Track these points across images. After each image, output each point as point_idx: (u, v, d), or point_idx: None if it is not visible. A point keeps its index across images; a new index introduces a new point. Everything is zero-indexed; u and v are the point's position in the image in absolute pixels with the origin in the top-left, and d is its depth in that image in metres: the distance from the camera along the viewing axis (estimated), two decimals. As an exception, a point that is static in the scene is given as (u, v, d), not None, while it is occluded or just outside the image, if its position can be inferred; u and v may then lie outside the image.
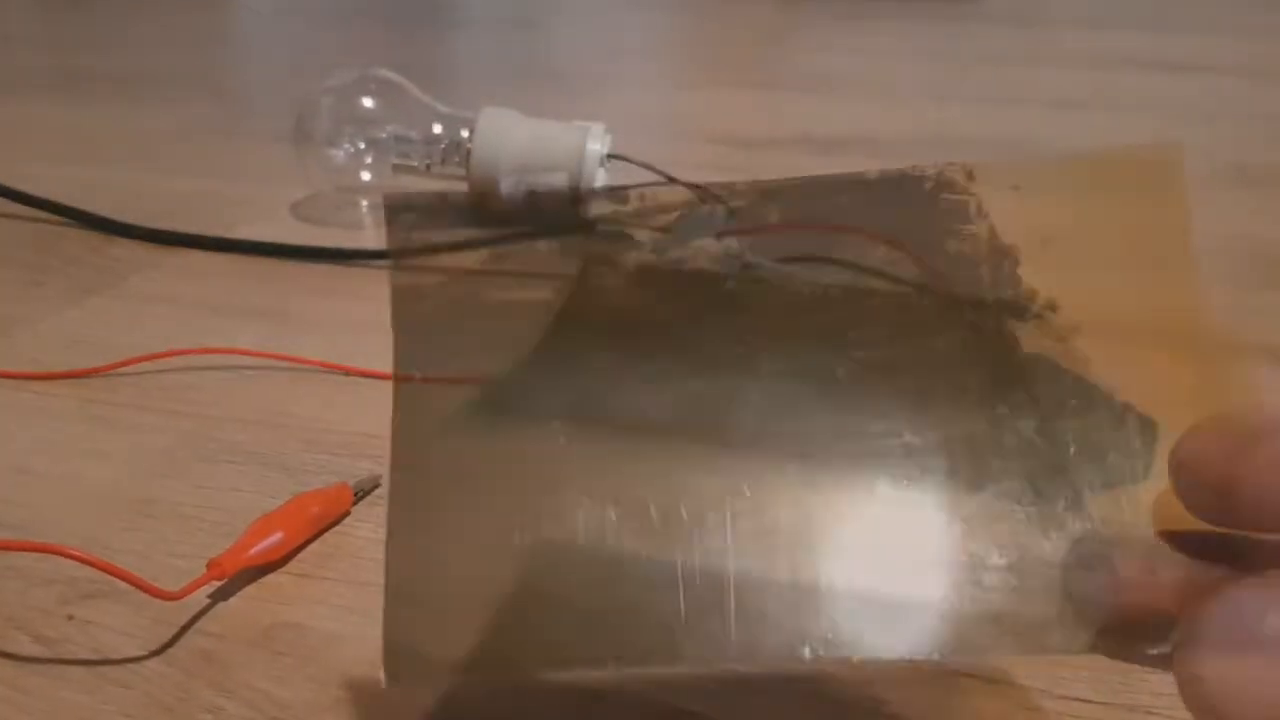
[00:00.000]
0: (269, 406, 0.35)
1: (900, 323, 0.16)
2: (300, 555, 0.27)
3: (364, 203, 0.57)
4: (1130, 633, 0.15)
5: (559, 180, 0.50)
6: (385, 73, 0.55)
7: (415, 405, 0.35)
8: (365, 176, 0.54)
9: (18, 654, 0.24)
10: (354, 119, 0.54)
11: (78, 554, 0.24)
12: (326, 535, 0.28)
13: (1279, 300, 0.45)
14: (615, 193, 0.19)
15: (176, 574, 0.26)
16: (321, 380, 0.37)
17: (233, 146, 0.71)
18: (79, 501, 0.30)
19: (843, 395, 0.16)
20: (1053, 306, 0.16)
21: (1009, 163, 0.17)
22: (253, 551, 0.26)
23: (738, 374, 0.16)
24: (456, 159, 0.53)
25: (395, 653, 0.24)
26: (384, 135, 0.54)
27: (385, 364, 0.38)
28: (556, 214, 0.20)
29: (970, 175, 0.17)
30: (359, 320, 0.42)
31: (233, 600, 0.26)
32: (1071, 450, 0.16)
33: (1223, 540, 0.14)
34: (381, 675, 0.23)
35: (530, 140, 0.52)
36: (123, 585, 0.24)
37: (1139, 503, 0.15)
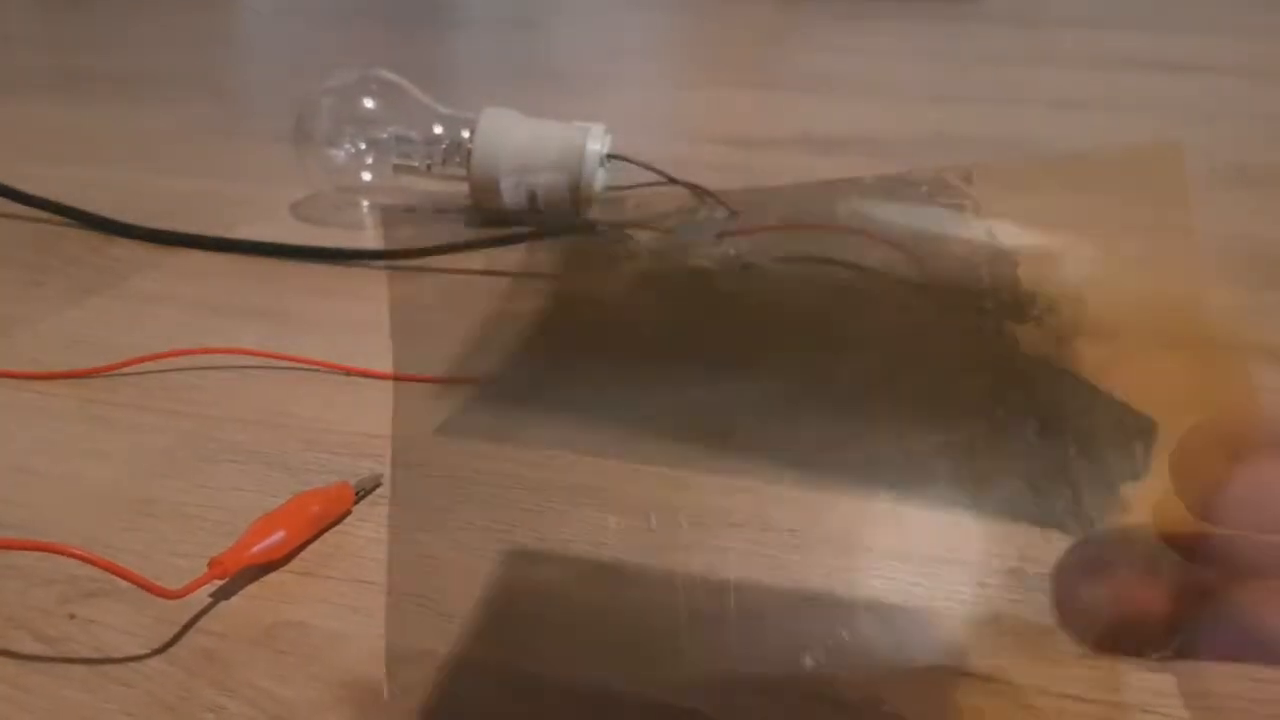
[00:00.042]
0: (270, 406, 0.35)
1: (900, 324, 0.16)
2: (302, 554, 0.27)
3: (364, 203, 0.57)
4: (1129, 634, 0.15)
5: (559, 180, 0.50)
6: (386, 73, 0.55)
7: (414, 405, 0.35)
8: (366, 177, 0.55)
9: (19, 653, 0.24)
10: (354, 119, 0.54)
11: (79, 553, 0.24)
12: (328, 534, 0.28)
13: (1279, 300, 0.45)
14: (615, 193, 0.19)
15: (178, 573, 0.26)
16: (322, 380, 0.37)
17: (233, 146, 0.71)
18: (80, 501, 0.30)
19: (843, 399, 0.16)
20: (1052, 309, 0.16)
21: (1007, 164, 0.17)
22: (254, 550, 0.26)
23: (737, 377, 0.16)
24: (457, 159, 0.53)
25: (397, 655, 0.24)
26: (384, 136, 0.54)
27: (385, 364, 0.38)
28: (556, 214, 0.20)
29: (968, 178, 0.17)
30: (359, 320, 0.42)
31: (234, 599, 0.26)
32: (1071, 451, 0.16)
33: (1223, 540, 0.14)
34: (384, 683, 0.23)
35: (530, 140, 0.52)
36: (124, 584, 0.24)
37: (1139, 503, 0.15)
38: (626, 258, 0.17)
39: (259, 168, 0.65)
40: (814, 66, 1.07)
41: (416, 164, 0.54)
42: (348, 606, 0.26)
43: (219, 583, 0.26)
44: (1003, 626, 0.25)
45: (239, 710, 0.22)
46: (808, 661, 0.24)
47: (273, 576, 0.27)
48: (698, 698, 0.23)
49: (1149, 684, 0.23)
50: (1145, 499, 0.16)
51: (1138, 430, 0.16)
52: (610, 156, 0.51)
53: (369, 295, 0.45)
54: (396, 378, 0.38)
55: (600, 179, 0.51)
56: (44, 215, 0.54)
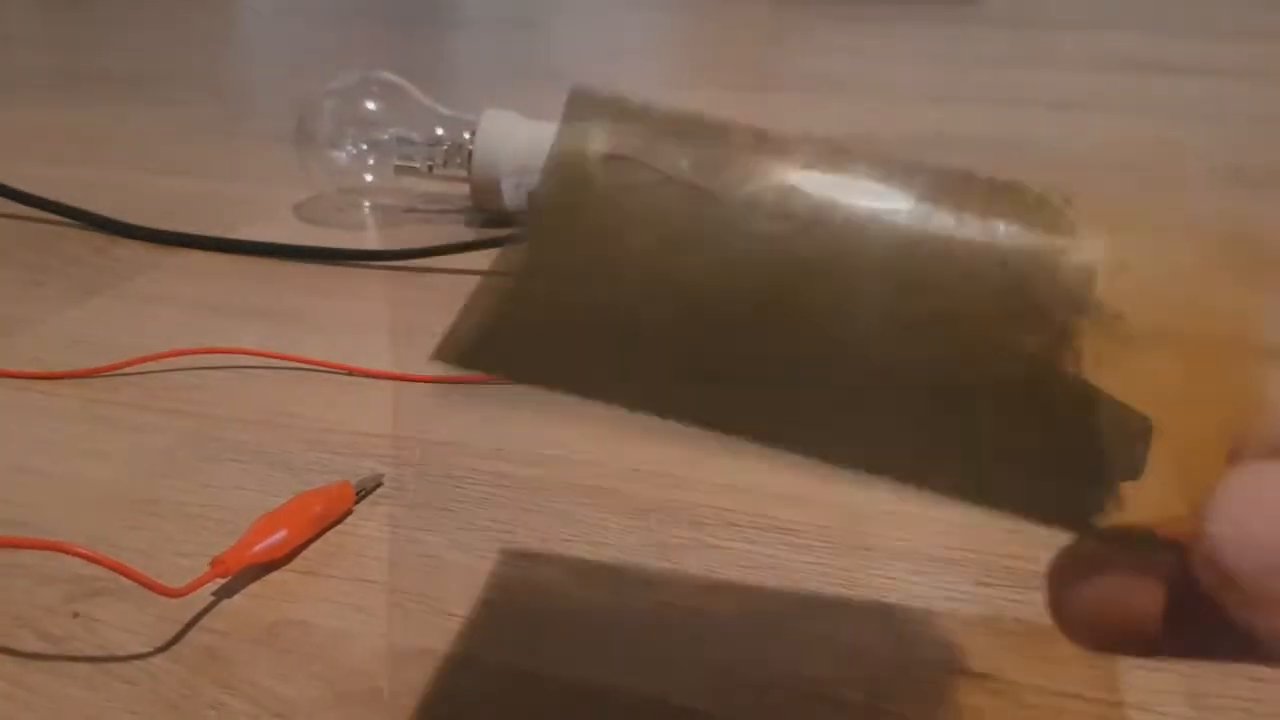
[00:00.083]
0: (271, 406, 0.35)
1: (913, 323, 0.16)
2: (303, 553, 0.28)
3: (366, 204, 0.57)
4: (1125, 635, 0.15)
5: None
6: (387, 75, 0.55)
7: (415, 405, 0.35)
8: (367, 178, 0.55)
9: (23, 651, 0.24)
10: (356, 121, 0.54)
11: (83, 551, 0.24)
12: (329, 534, 0.28)
13: (1279, 300, 0.45)
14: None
15: (181, 572, 0.26)
16: (323, 380, 0.37)
17: (234, 147, 0.72)
18: (83, 500, 0.30)
19: (843, 398, 0.16)
20: (1118, 317, 0.16)
21: (1108, 201, 0.17)
22: (256, 549, 0.26)
23: (738, 377, 0.16)
24: (458, 160, 0.54)
25: (398, 654, 0.24)
26: (386, 137, 0.54)
27: (386, 364, 0.38)
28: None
29: (1068, 200, 0.17)
30: (360, 320, 0.42)
31: (236, 598, 0.26)
32: (1070, 451, 0.16)
33: (1220, 541, 0.14)
34: (385, 682, 0.23)
35: (531, 142, 0.52)
36: (127, 583, 0.24)
37: (1136, 502, 0.15)
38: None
39: (260, 168, 0.65)
40: (814, 67, 1.07)
41: (418, 165, 0.54)
42: (349, 605, 0.26)
43: (221, 581, 0.26)
44: (1002, 626, 0.25)
45: (241, 708, 0.23)
46: (807, 661, 0.24)
47: (274, 575, 0.27)
48: (697, 697, 0.23)
49: (1148, 683, 0.23)
50: (1143, 498, 0.16)
51: (1136, 429, 0.16)
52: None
53: (370, 296, 0.45)
54: (397, 378, 0.38)
55: (601, 180, 0.51)
56: (44, 215, 0.54)
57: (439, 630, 0.25)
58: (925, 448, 0.15)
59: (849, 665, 0.24)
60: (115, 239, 0.52)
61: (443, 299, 0.45)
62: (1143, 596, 0.14)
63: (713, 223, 0.16)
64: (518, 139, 0.52)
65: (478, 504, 0.30)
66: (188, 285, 0.46)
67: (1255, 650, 0.13)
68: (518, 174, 0.52)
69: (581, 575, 0.27)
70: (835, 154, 0.17)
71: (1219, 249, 0.17)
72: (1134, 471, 0.16)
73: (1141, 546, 0.15)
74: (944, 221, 0.16)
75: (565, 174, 0.17)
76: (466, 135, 0.53)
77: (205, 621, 0.25)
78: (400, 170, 0.54)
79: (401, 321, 0.42)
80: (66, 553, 0.25)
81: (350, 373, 0.38)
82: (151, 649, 0.24)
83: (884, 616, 0.26)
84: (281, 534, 0.27)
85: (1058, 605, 0.15)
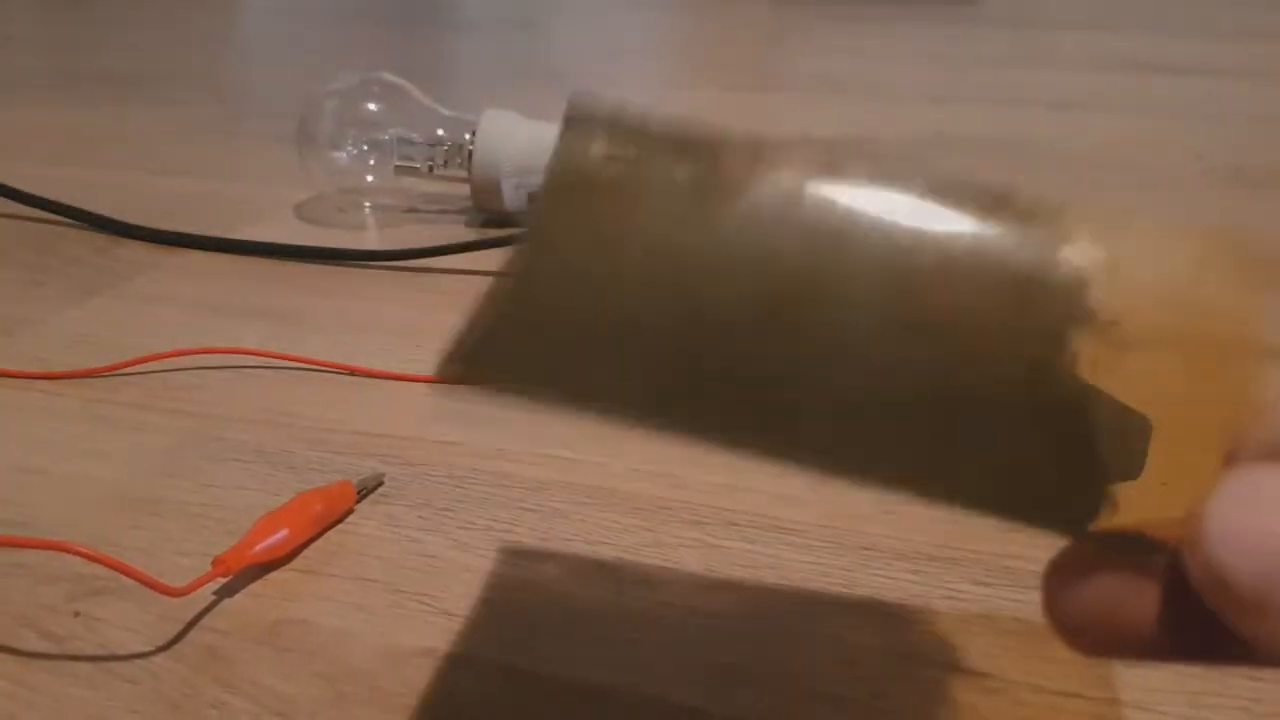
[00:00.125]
0: (272, 406, 0.35)
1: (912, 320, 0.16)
2: (305, 552, 0.28)
3: (366, 204, 0.57)
4: (1120, 638, 0.15)
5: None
6: (388, 76, 0.55)
7: (415, 405, 0.35)
8: (368, 178, 0.55)
9: (25, 650, 0.24)
10: (357, 121, 0.54)
11: (85, 551, 0.24)
12: (330, 533, 0.28)
13: (1279, 300, 0.45)
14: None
15: (182, 571, 0.27)
16: (324, 380, 0.37)
17: (234, 147, 0.72)
18: (84, 500, 0.30)
19: (842, 399, 0.16)
20: (1114, 322, 0.16)
21: (1101, 209, 0.17)
22: (257, 548, 0.26)
23: (738, 376, 0.16)
24: (459, 161, 0.54)
25: (398, 653, 0.24)
26: (386, 137, 0.54)
27: (387, 364, 0.38)
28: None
29: (1060, 210, 0.17)
30: (361, 320, 0.42)
31: (238, 597, 0.26)
32: (1067, 454, 0.16)
33: (1216, 544, 0.14)
34: (385, 681, 0.23)
35: (531, 142, 0.52)
36: (129, 582, 0.24)
37: (1134, 504, 0.15)
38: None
39: (260, 168, 0.66)
40: (814, 67, 1.07)
41: (418, 165, 0.54)
42: (350, 604, 0.26)
43: (222, 581, 0.26)
44: (1001, 625, 0.25)
45: (242, 707, 0.23)
46: (807, 660, 0.24)
47: (276, 574, 0.27)
48: (697, 697, 0.23)
49: (1146, 682, 0.23)
50: (1141, 498, 0.16)
51: (1135, 429, 0.16)
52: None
53: (371, 296, 0.45)
54: (398, 377, 0.38)
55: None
56: (45, 215, 0.54)
57: (439, 629, 0.25)
58: (923, 455, 0.15)
59: (849, 665, 0.24)
60: (115, 239, 0.52)
61: (443, 299, 0.45)
62: (1138, 600, 0.14)
63: (712, 231, 0.16)
64: (518, 139, 0.52)
65: (478, 504, 0.30)
66: (188, 285, 0.46)
67: (1252, 654, 0.13)
68: (518, 174, 0.52)
69: (581, 575, 0.27)
70: (833, 159, 0.17)
71: (1215, 249, 0.17)
72: (1133, 471, 0.16)
73: (1137, 550, 0.15)
74: (940, 227, 0.17)
75: (565, 185, 0.17)
76: (467, 135, 0.53)
77: (206, 621, 0.25)
78: (400, 170, 0.55)
79: (401, 321, 0.42)
80: (68, 552, 0.25)
81: (351, 373, 0.38)
82: (153, 648, 0.24)
83: (884, 616, 0.26)
84: (282, 533, 0.27)
85: (1053, 609, 0.15)
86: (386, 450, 0.33)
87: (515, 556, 0.28)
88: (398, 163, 0.54)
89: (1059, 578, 0.15)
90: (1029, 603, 0.26)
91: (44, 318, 0.43)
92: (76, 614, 0.25)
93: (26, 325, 0.42)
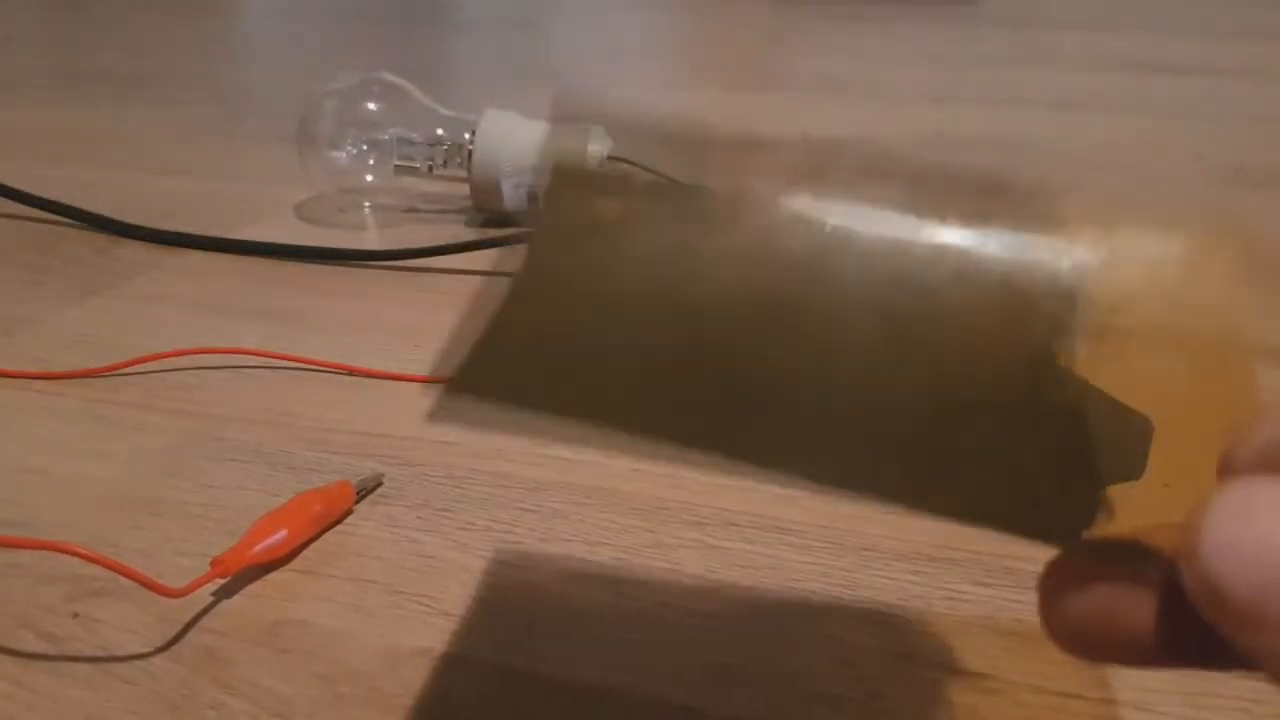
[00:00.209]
0: (272, 406, 0.35)
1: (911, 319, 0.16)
2: (303, 553, 0.28)
3: (366, 204, 0.57)
4: (1116, 643, 0.15)
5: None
6: (388, 76, 0.55)
7: (415, 406, 0.35)
8: (367, 178, 0.55)
9: (23, 651, 0.24)
10: (357, 121, 0.54)
11: (83, 551, 0.24)
12: (329, 533, 0.28)
13: (1279, 300, 0.45)
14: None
15: (181, 572, 0.27)
16: (324, 380, 0.37)
17: (234, 147, 0.72)
18: (83, 500, 0.30)
19: (841, 399, 0.16)
20: (1113, 310, 0.16)
21: (1100, 196, 0.17)
22: (256, 549, 0.26)
23: (739, 374, 0.16)
24: (458, 161, 0.54)
25: (397, 654, 0.24)
26: (386, 137, 0.54)
27: (387, 364, 0.38)
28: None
29: (1058, 196, 0.17)
30: (361, 320, 0.42)
31: (236, 598, 0.26)
32: (1065, 458, 0.16)
33: (1213, 550, 0.14)
34: (384, 681, 0.23)
35: (531, 142, 0.52)
36: (127, 583, 0.24)
37: (1133, 506, 0.15)
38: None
39: (260, 168, 0.66)
40: (814, 67, 1.07)
41: (418, 165, 0.54)
42: (349, 605, 0.26)
43: (221, 581, 0.26)
44: (1001, 626, 0.25)
45: (241, 708, 0.23)
46: (807, 661, 0.24)
47: (274, 575, 0.27)
48: (696, 697, 0.23)
49: (1145, 682, 0.23)
50: (1142, 501, 0.16)
51: (1136, 430, 0.16)
52: (611, 158, 0.51)
53: (370, 296, 0.45)
54: (397, 378, 0.38)
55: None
56: (44, 215, 0.54)
57: (438, 630, 0.25)
58: (922, 467, 0.15)
59: (848, 665, 0.24)
60: (115, 239, 0.52)
61: (442, 299, 0.45)
62: (1134, 608, 0.14)
63: (704, 236, 0.16)
64: (518, 139, 0.52)
65: (477, 504, 0.30)
66: (188, 285, 0.46)
67: (1250, 663, 0.12)
68: (518, 174, 0.52)
69: (581, 575, 0.27)
70: (828, 158, 0.17)
71: (1212, 243, 0.17)
72: (1134, 472, 0.16)
73: (1133, 557, 0.14)
74: (936, 223, 0.16)
75: (560, 191, 0.17)
76: (467, 135, 0.53)
77: (205, 621, 0.25)
78: (400, 170, 0.55)
79: (401, 321, 0.42)
80: (66, 553, 0.25)
81: (350, 373, 0.38)
82: (151, 649, 0.24)
83: (883, 616, 0.26)
84: (281, 534, 0.27)
85: (1049, 616, 0.15)
86: (385, 450, 0.33)
87: (514, 557, 0.28)
88: (397, 162, 0.54)
89: (1054, 584, 0.15)
90: (1029, 604, 0.26)
91: (44, 318, 0.43)
92: (75, 615, 0.25)
93: (26, 325, 0.42)
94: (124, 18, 1.38)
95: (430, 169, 0.54)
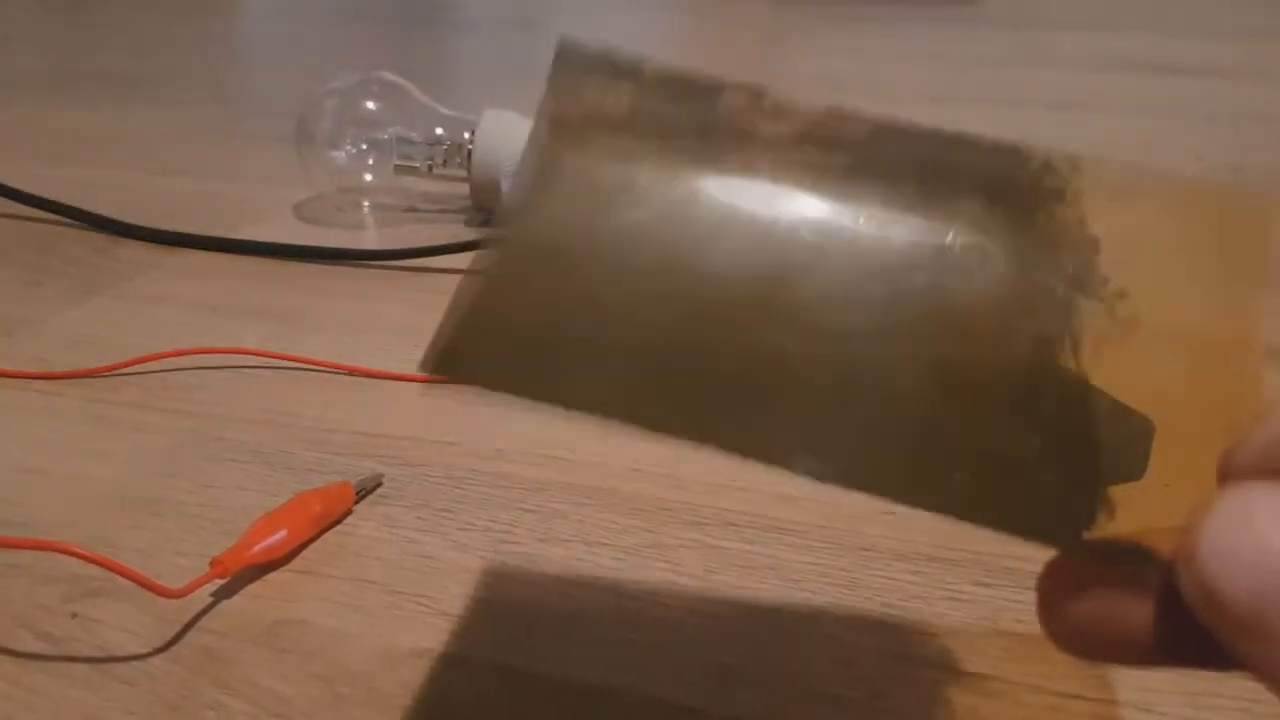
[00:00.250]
0: (272, 406, 0.35)
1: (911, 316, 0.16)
2: (303, 553, 0.28)
3: (366, 204, 0.57)
4: (1115, 645, 0.14)
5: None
6: (387, 75, 0.55)
7: (415, 405, 0.35)
8: (367, 178, 0.55)
9: (22, 651, 0.24)
10: (356, 121, 0.54)
11: (82, 552, 0.24)
12: (329, 534, 0.28)
13: (1279, 300, 0.45)
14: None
15: (180, 572, 0.27)
16: (323, 380, 0.37)
17: (234, 147, 0.72)
18: (83, 500, 0.30)
19: (840, 399, 0.15)
20: (1122, 294, 0.16)
21: (1116, 165, 0.17)
22: (256, 549, 0.26)
23: (738, 375, 0.16)
24: (458, 160, 0.54)
25: (397, 654, 0.24)
26: (386, 137, 0.54)
27: (386, 364, 0.38)
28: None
29: (1075, 166, 0.17)
30: (361, 320, 0.42)
31: (236, 598, 0.26)
32: (1065, 458, 0.16)
33: (1211, 553, 0.14)
34: (384, 682, 0.23)
35: (531, 141, 0.52)
36: (126, 583, 0.24)
37: (1133, 506, 0.15)
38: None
39: (260, 168, 0.65)
40: (814, 67, 1.07)
41: (418, 165, 0.54)
42: (348, 605, 0.26)
43: (220, 582, 0.26)
44: (1001, 626, 0.25)
45: (240, 708, 0.23)
46: (807, 660, 0.24)
47: (274, 575, 0.27)
48: (696, 697, 0.23)
49: (1146, 682, 0.23)
50: (1143, 501, 0.15)
51: (1137, 430, 0.16)
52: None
53: (370, 296, 0.45)
54: (397, 377, 0.38)
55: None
56: (44, 215, 0.54)
57: (437, 630, 0.25)
58: (923, 466, 0.15)
59: (848, 665, 0.24)
60: (115, 239, 0.52)
61: (442, 299, 0.45)
62: (1133, 610, 0.14)
63: (699, 209, 0.16)
64: (518, 139, 0.52)
65: (477, 504, 0.30)
66: (188, 285, 0.46)
67: (1238, 665, 0.12)
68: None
69: (581, 575, 0.27)
70: (832, 125, 0.17)
71: (1227, 209, 0.17)
72: (1135, 472, 0.16)
73: (1131, 560, 0.14)
74: (942, 219, 0.16)
75: (565, 73, 0.17)
76: (466, 135, 0.53)
77: (204, 622, 0.25)
78: (400, 170, 0.54)
79: (401, 321, 0.42)
80: (65, 553, 0.25)
81: (350, 373, 0.38)
82: (150, 649, 0.24)
83: (883, 617, 0.26)
84: (281, 534, 0.27)
85: (1048, 617, 0.15)
86: (385, 451, 0.33)
87: (514, 557, 0.28)
88: (397, 162, 0.54)
89: (1054, 585, 0.15)
90: (1029, 604, 0.26)
91: (44, 318, 0.43)
92: (74, 615, 0.25)
93: (26, 325, 0.42)
94: (124, 18, 1.38)
95: (430, 168, 0.54)
